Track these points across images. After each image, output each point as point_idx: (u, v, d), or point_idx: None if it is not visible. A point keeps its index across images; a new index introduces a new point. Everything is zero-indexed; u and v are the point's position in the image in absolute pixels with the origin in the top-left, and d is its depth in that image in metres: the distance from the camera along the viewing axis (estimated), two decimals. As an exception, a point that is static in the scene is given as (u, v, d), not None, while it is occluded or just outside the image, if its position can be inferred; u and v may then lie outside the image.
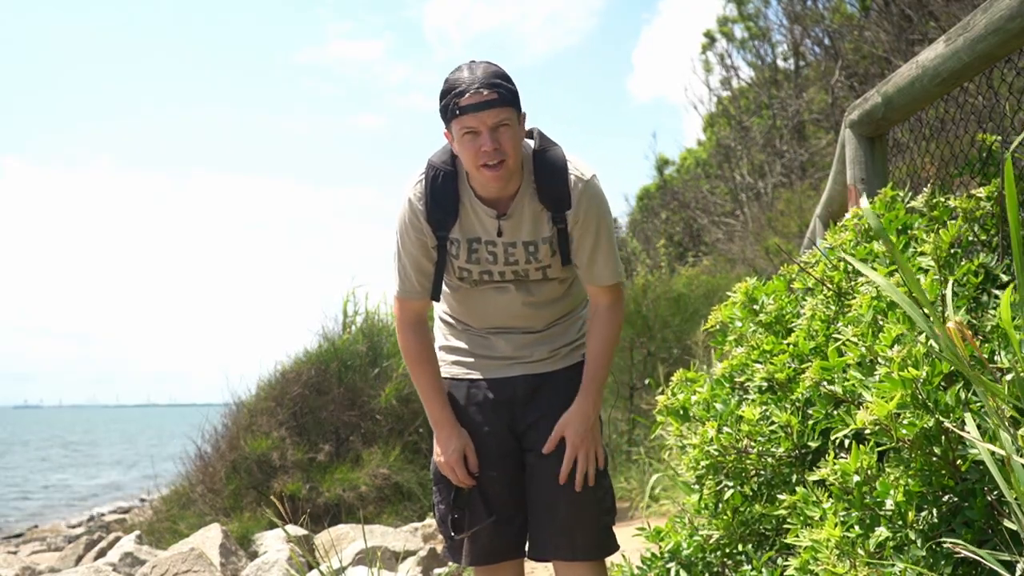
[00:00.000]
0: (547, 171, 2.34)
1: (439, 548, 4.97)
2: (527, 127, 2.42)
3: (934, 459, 1.76)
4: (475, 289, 2.49)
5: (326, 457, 6.44)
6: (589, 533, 2.44)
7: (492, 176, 2.24)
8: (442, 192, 2.36)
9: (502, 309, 2.48)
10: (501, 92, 2.20)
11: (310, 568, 4.49)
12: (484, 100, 2.19)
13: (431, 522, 5.31)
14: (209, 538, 4.90)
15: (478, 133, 2.20)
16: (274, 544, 5.11)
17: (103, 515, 12.40)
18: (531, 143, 2.41)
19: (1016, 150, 2.48)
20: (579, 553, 2.42)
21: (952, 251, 2.06)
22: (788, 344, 2.39)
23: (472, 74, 2.22)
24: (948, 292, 1.70)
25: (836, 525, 1.89)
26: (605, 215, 2.39)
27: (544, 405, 2.49)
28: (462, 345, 2.57)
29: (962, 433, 1.53)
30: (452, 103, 2.21)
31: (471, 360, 2.55)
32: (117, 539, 6.09)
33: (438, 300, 2.52)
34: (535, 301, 2.48)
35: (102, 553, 5.95)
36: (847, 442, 2.09)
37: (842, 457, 1.90)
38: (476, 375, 2.53)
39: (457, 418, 2.52)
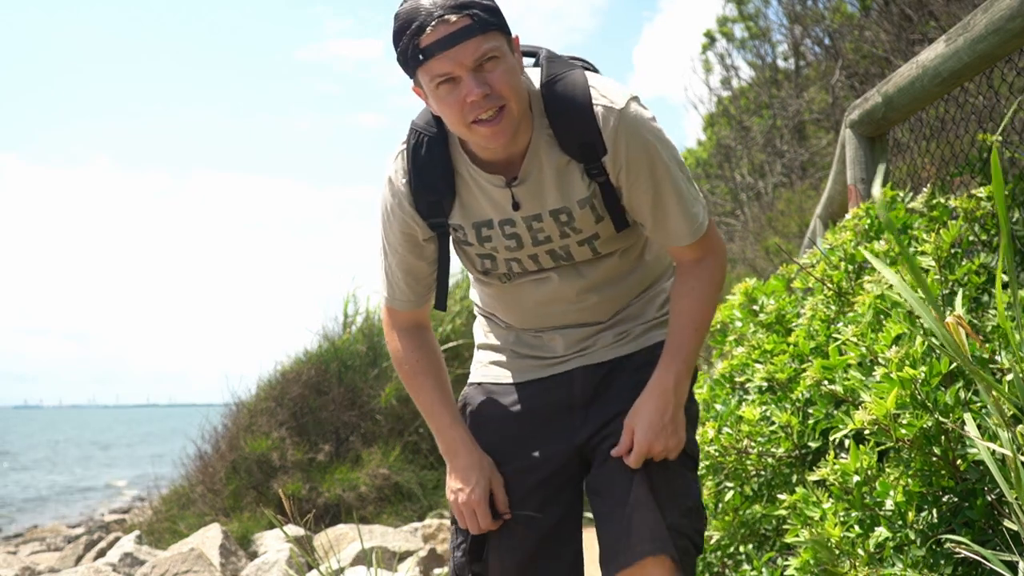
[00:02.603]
0: (563, 107, 1.72)
1: (439, 548, 4.97)
2: (524, 49, 1.80)
3: (934, 459, 1.76)
4: (508, 285, 1.90)
5: (326, 457, 6.45)
6: (654, 529, 1.71)
7: (491, 132, 1.63)
8: (429, 164, 1.78)
9: (548, 305, 1.88)
10: (475, 14, 1.59)
11: (309, 568, 4.49)
12: (454, 31, 1.57)
13: (431, 522, 5.32)
14: (209, 538, 4.90)
15: (457, 79, 1.60)
16: (274, 544, 5.12)
17: (103, 515, 12.39)
18: (535, 74, 1.78)
19: (1016, 150, 2.48)
20: (636, 552, 1.70)
21: (952, 251, 2.06)
22: (788, 344, 2.39)
23: None
24: (959, 299, 1.70)
25: (836, 525, 1.89)
26: (660, 150, 1.72)
27: (615, 401, 1.84)
28: (501, 343, 1.98)
29: (962, 432, 1.53)
30: (411, 46, 1.60)
31: (514, 360, 1.95)
32: (117, 539, 6.09)
33: (443, 309, 1.95)
34: (590, 285, 1.86)
35: (102, 553, 5.95)
36: (847, 442, 2.09)
37: (842, 457, 1.91)
38: (522, 378, 1.93)
39: (494, 438, 1.89)
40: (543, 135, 1.74)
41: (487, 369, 1.98)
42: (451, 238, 1.87)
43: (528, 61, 1.83)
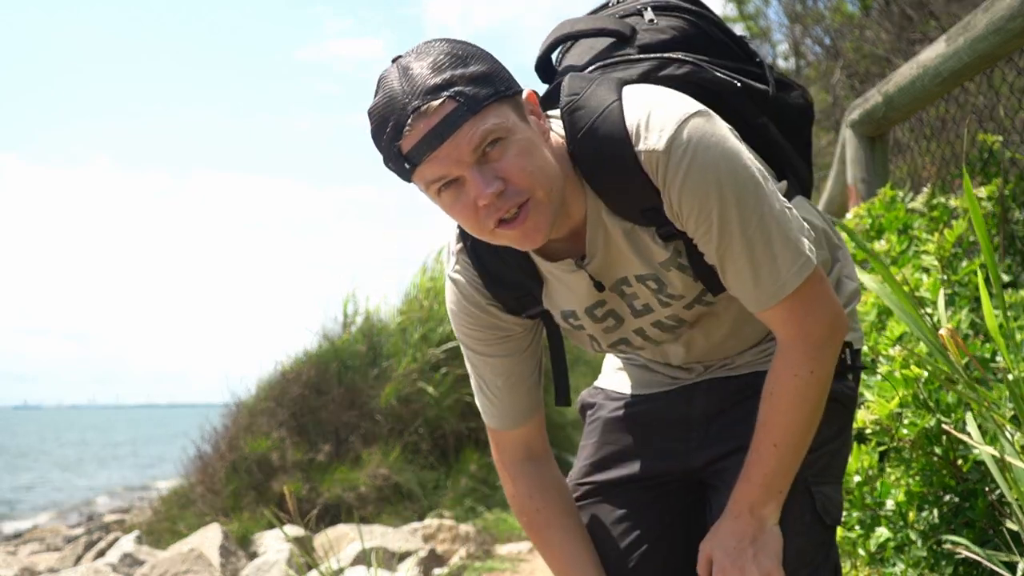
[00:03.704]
0: (600, 167, 1.33)
1: (439, 548, 4.97)
2: (537, 100, 1.36)
3: (935, 459, 1.76)
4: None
5: (326, 457, 6.44)
6: None
7: (519, 235, 1.30)
8: (499, 260, 1.46)
9: (680, 357, 1.58)
10: (459, 92, 1.23)
11: (309, 568, 4.49)
12: (437, 124, 1.23)
13: (431, 522, 5.32)
14: (208, 538, 4.90)
15: (460, 180, 1.26)
16: (273, 544, 5.11)
17: (102, 515, 12.40)
18: (558, 126, 1.38)
19: (1017, 150, 2.48)
20: None
21: (953, 251, 2.06)
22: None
23: (405, 83, 1.24)
24: (953, 313, 1.70)
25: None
26: (728, 188, 1.29)
27: (740, 428, 1.48)
28: (637, 358, 1.68)
29: (961, 436, 1.53)
30: (392, 151, 1.27)
31: (644, 372, 1.66)
32: (116, 539, 6.09)
33: (567, 404, 1.60)
34: (726, 334, 1.53)
35: (101, 553, 5.95)
36: (848, 442, 2.08)
37: (843, 457, 1.90)
38: (647, 390, 1.65)
39: (606, 447, 1.64)
40: (594, 197, 1.38)
41: (614, 376, 1.72)
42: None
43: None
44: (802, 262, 1.33)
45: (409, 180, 1.31)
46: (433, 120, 1.22)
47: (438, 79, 1.23)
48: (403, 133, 1.24)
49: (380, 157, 1.31)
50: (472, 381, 1.58)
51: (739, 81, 1.46)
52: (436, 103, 1.22)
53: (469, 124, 1.23)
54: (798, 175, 1.53)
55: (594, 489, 1.62)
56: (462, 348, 1.56)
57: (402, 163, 1.27)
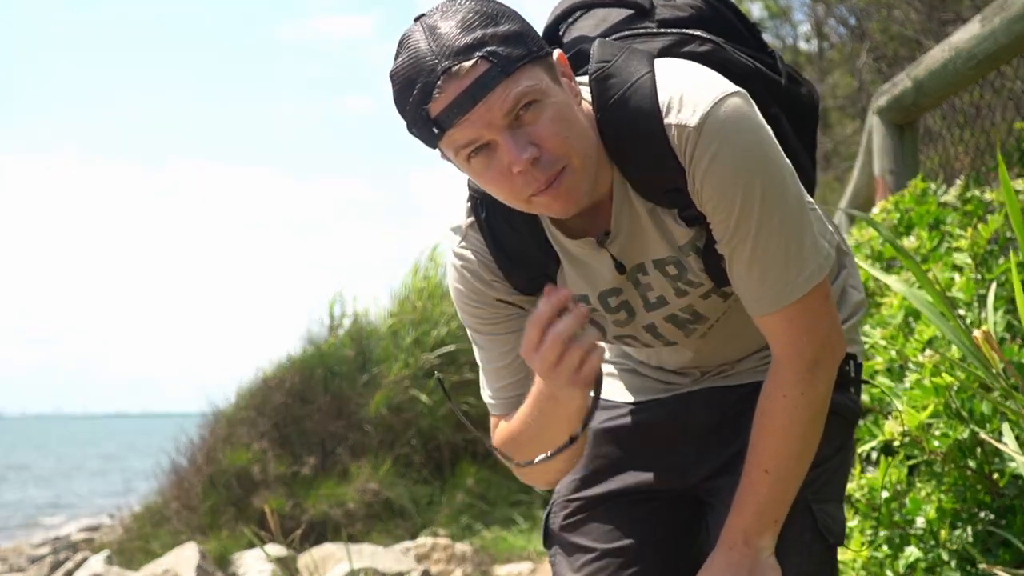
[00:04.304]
0: (627, 139, 1.34)
1: (433, 569, 4.98)
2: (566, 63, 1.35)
3: (969, 473, 1.76)
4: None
5: (311, 471, 6.45)
6: None
7: (550, 201, 1.31)
8: (515, 237, 1.47)
9: (686, 359, 1.60)
10: (492, 52, 1.24)
11: (293, 591, 4.50)
12: (469, 85, 1.23)
13: (424, 541, 5.32)
14: (184, 558, 4.91)
15: (491, 144, 1.27)
16: (254, 565, 5.12)
17: (69, 534, 12.38)
18: (585, 93, 1.38)
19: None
20: None
21: (989, 248, 2.06)
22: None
23: (433, 43, 1.25)
24: (990, 305, 1.70)
25: (863, 544, 1.88)
26: (756, 177, 1.31)
27: (739, 437, 1.49)
28: (623, 359, 1.72)
29: (999, 445, 1.53)
30: (419, 115, 1.27)
31: (635, 377, 1.69)
32: (85, 559, 6.09)
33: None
34: (729, 334, 1.55)
35: (68, 575, 5.95)
36: (875, 455, 2.08)
37: (869, 471, 1.90)
38: (640, 397, 1.66)
39: (603, 457, 1.64)
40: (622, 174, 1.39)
41: (604, 382, 1.65)
42: None
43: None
44: (813, 269, 1.35)
45: (435, 146, 1.32)
46: (465, 82, 1.23)
47: (469, 38, 1.24)
48: (432, 96, 1.24)
49: (404, 118, 1.31)
50: (479, 362, 1.58)
51: (756, 66, 1.48)
52: (468, 64, 1.23)
53: (503, 86, 1.24)
54: (805, 174, 1.54)
55: (585, 505, 1.64)
56: (467, 330, 1.57)
57: (430, 128, 1.27)
